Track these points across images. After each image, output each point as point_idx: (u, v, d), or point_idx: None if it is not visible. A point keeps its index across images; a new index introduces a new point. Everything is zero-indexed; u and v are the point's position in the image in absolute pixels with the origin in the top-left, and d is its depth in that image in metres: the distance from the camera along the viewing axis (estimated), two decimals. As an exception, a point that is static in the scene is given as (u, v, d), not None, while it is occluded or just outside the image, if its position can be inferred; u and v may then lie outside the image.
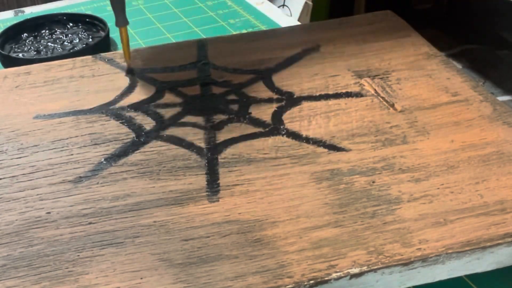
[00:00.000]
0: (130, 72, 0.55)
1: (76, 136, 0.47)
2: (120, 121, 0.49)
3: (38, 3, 0.87)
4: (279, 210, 0.40)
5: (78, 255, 0.37)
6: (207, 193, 0.42)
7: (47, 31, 0.72)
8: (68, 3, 0.83)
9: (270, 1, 0.83)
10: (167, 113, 0.50)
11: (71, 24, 0.73)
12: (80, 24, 0.73)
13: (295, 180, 0.42)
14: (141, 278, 0.36)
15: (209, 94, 0.52)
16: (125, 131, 0.48)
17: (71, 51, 0.67)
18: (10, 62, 0.65)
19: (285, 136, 0.47)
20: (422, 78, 0.53)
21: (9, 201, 0.42)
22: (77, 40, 0.69)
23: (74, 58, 0.58)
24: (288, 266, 0.36)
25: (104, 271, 0.36)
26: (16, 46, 0.69)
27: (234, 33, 0.75)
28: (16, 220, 0.40)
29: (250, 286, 0.35)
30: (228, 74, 0.55)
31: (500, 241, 0.37)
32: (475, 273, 0.38)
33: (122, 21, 0.54)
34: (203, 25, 0.78)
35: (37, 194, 0.42)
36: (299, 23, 0.81)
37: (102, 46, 0.68)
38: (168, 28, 0.77)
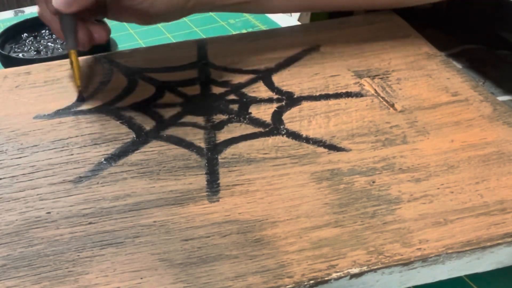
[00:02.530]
0: (81, 100, 0.51)
1: (76, 136, 0.47)
2: (120, 121, 0.49)
3: (38, 3, 0.87)
4: (279, 210, 0.40)
5: (78, 255, 0.37)
6: (207, 193, 0.42)
7: (47, 31, 0.71)
8: (68, 3, 0.83)
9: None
10: (167, 113, 0.50)
11: (71, 24, 0.73)
12: (80, 24, 0.73)
13: (295, 180, 0.42)
14: (141, 278, 0.36)
15: (209, 94, 0.52)
16: (125, 131, 0.48)
17: (71, 51, 0.67)
18: (10, 62, 0.65)
19: (285, 136, 0.47)
20: (422, 78, 0.53)
21: (9, 201, 0.42)
22: (77, 40, 0.69)
23: (74, 58, 0.58)
24: (288, 266, 0.36)
25: (104, 271, 0.36)
26: (16, 46, 0.69)
27: (234, 33, 0.75)
28: (16, 220, 0.40)
29: (250, 286, 0.35)
30: (228, 74, 0.55)
31: (500, 241, 0.37)
32: (475, 273, 0.38)
33: (72, 43, 0.51)
34: (203, 25, 0.78)
35: (37, 194, 0.42)
36: (299, 23, 0.81)
37: (102, 46, 0.68)
38: (168, 28, 0.77)
